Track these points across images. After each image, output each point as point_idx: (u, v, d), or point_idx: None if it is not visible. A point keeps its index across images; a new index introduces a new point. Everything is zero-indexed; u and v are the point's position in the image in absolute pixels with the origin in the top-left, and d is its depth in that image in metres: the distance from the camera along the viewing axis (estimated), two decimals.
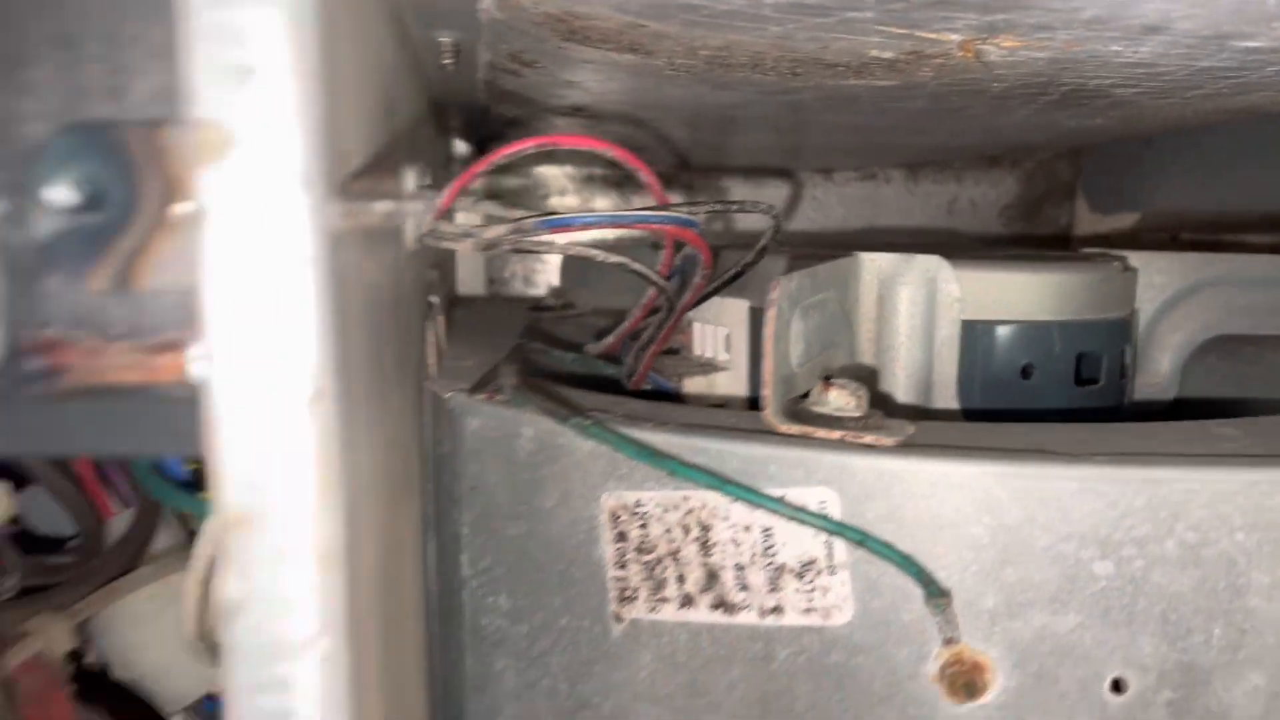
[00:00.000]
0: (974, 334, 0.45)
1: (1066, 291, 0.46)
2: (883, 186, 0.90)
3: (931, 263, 0.45)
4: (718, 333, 0.49)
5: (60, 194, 0.22)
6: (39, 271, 0.23)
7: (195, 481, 0.34)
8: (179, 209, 0.22)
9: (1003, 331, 0.45)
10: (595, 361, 0.48)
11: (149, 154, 0.22)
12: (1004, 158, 0.89)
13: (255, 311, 0.20)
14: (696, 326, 0.50)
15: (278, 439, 0.20)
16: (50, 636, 0.29)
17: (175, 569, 0.35)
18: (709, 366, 0.49)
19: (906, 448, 0.32)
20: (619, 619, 0.36)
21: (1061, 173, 0.91)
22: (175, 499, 0.32)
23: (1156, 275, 0.52)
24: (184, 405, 0.21)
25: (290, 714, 0.20)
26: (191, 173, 0.19)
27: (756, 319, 0.47)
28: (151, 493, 0.32)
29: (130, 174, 0.22)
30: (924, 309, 0.45)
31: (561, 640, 0.38)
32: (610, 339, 0.45)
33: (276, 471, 0.20)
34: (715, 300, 0.47)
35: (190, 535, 0.39)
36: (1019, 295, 0.46)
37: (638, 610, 0.35)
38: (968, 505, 0.31)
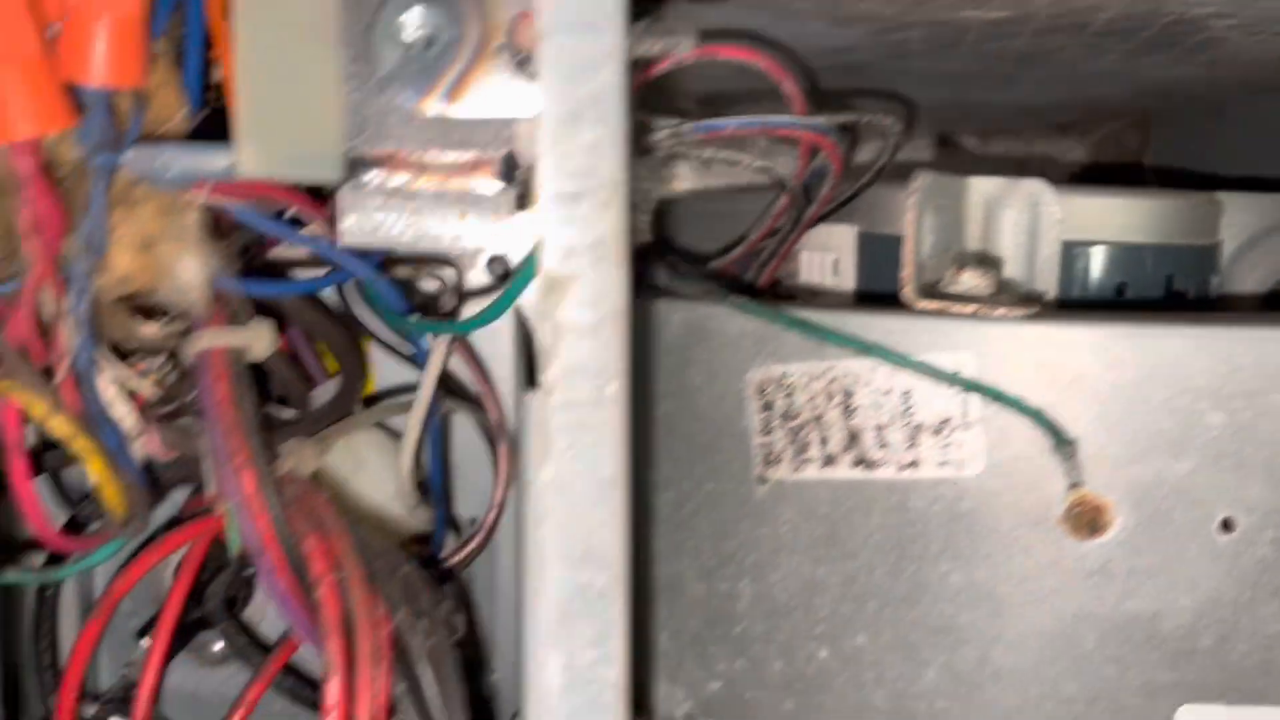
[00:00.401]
0: (1072, 254, 0.49)
1: (1158, 216, 0.50)
2: (956, 153, 0.93)
3: (1035, 186, 0.48)
4: (825, 259, 0.53)
5: (403, 33, 0.27)
6: (382, 96, 0.28)
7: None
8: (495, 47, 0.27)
9: (1099, 251, 0.49)
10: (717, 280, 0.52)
11: (473, 4, 0.27)
12: (1074, 126, 0.92)
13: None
14: (804, 255, 0.54)
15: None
16: (299, 458, 0.33)
17: (395, 411, 0.40)
18: (816, 293, 0.53)
19: (1036, 315, 0.36)
20: (763, 481, 0.40)
21: (1130, 141, 0.94)
22: (400, 323, 0.36)
23: (1238, 213, 0.56)
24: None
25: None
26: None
27: (864, 244, 0.51)
28: (384, 318, 0.36)
29: (458, 18, 0.27)
30: (1027, 231, 0.49)
31: (706, 504, 0.42)
32: (735, 253, 0.49)
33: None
34: (823, 227, 0.51)
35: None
36: (1115, 218, 0.49)
37: (781, 472, 0.39)
38: (1093, 364, 0.35)
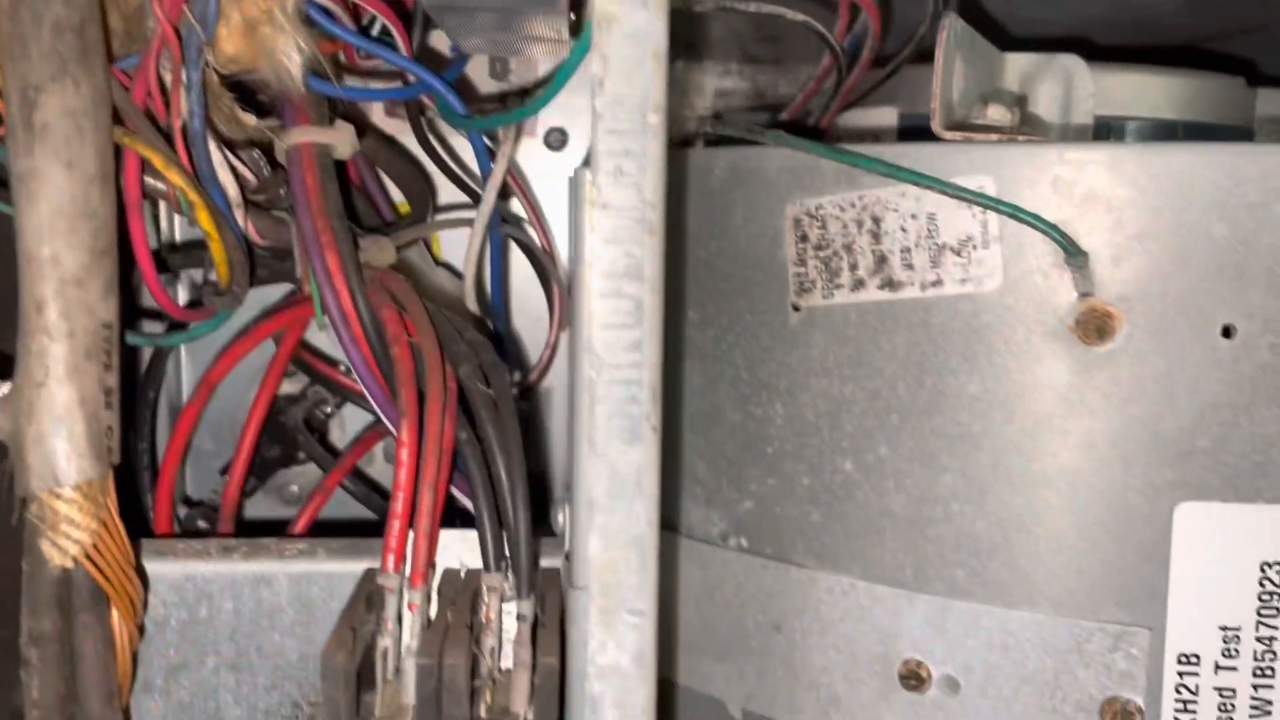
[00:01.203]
0: (1106, 129, 0.51)
1: (1191, 94, 0.52)
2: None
3: (1069, 61, 0.51)
4: (865, 140, 0.56)
5: None
6: None
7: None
8: None
9: (1132, 127, 0.51)
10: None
11: None
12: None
13: None
14: (845, 140, 0.57)
15: None
16: (377, 249, 0.37)
17: (463, 223, 0.44)
18: None
19: (1055, 141, 0.38)
20: (797, 308, 0.43)
21: None
22: (468, 123, 0.40)
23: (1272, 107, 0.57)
24: None
25: None
26: None
27: (905, 125, 0.54)
28: (453, 122, 0.40)
29: None
30: (1060, 105, 0.51)
31: (744, 336, 0.45)
32: (784, 114, 0.52)
33: None
34: (864, 110, 0.54)
35: None
36: (1149, 95, 0.51)
37: (814, 299, 0.43)
38: (1105, 181, 0.37)
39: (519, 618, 0.30)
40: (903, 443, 0.41)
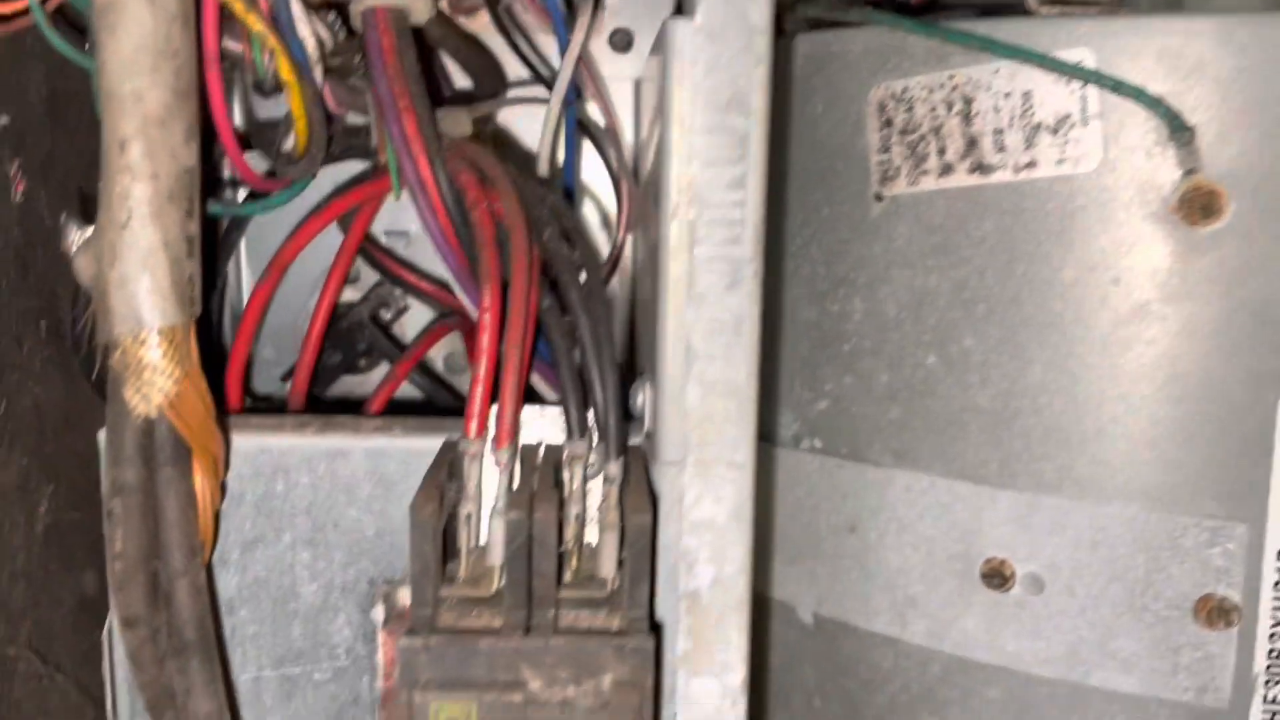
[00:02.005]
0: None
1: None
2: None
3: None
4: None
5: None
6: None
7: None
8: None
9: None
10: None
11: None
12: None
13: None
14: None
15: None
16: (450, 124, 0.36)
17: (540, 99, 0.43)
18: None
19: (1157, 11, 0.36)
20: (879, 198, 0.42)
21: None
22: None
23: None
24: None
25: None
26: None
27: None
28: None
29: None
30: None
31: (822, 229, 0.44)
32: None
33: None
34: None
35: None
36: None
37: (898, 187, 0.41)
38: (1214, 51, 0.35)
39: (606, 480, 0.29)
40: (990, 334, 0.40)
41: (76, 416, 0.40)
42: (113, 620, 0.35)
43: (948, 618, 0.41)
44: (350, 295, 0.52)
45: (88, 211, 0.27)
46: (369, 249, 0.45)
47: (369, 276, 0.50)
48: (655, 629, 0.28)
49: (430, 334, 0.43)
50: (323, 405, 0.44)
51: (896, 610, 0.43)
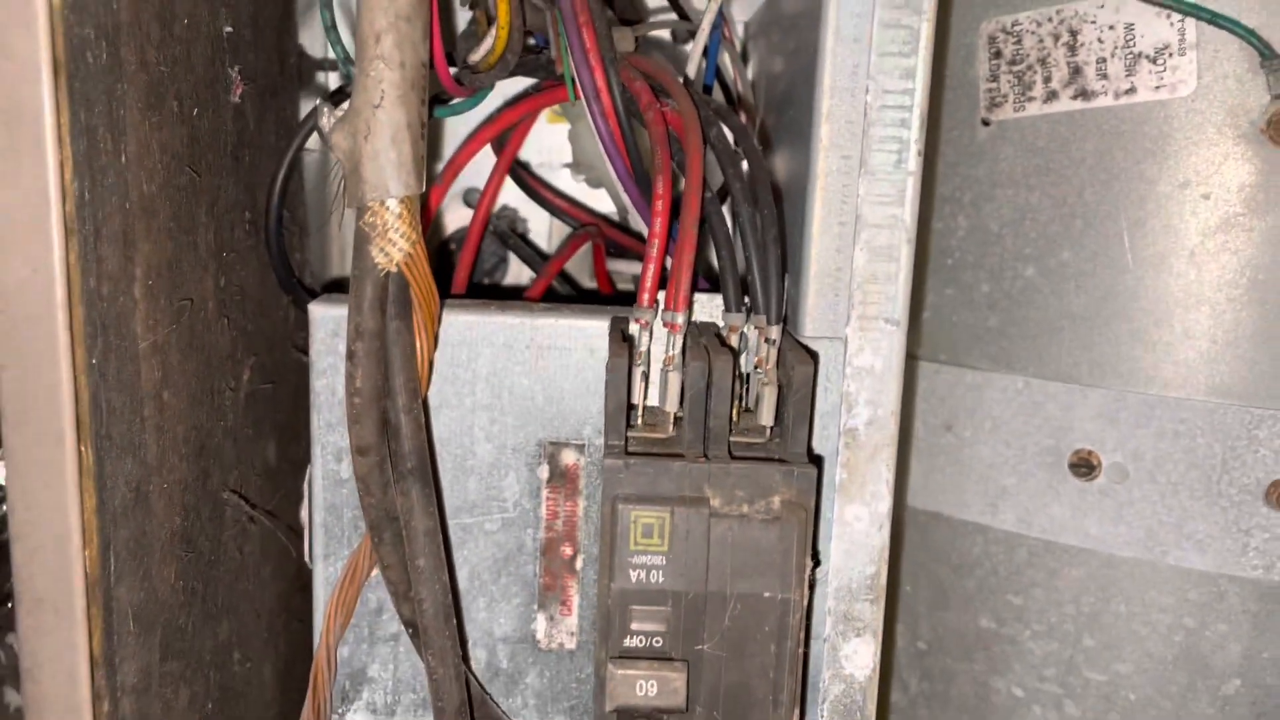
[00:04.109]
0: None
1: None
2: None
3: None
4: None
5: None
6: None
7: None
8: None
9: None
10: None
11: None
12: None
13: None
14: None
15: None
16: (618, 39, 0.41)
17: (692, 25, 0.47)
18: None
19: None
20: (986, 123, 0.46)
21: None
22: None
23: None
24: None
25: None
26: None
27: None
28: None
29: None
30: None
31: (931, 152, 0.48)
32: None
33: None
34: None
35: None
36: None
37: (1004, 113, 0.45)
38: None
39: (768, 341, 0.33)
40: (1086, 246, 0.44)
41: (269, 301, 0.45)
42: (314, 469, 0.41)
43: (1036, 506, 0.46)
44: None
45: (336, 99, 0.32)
46: (517, 169, 0.50)
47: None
48: (815, 460, 0.33)
49: (574, 241, 0.48)
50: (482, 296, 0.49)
51: (988, 500, 0.47)
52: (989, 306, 0.47)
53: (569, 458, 0.40)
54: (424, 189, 0.34)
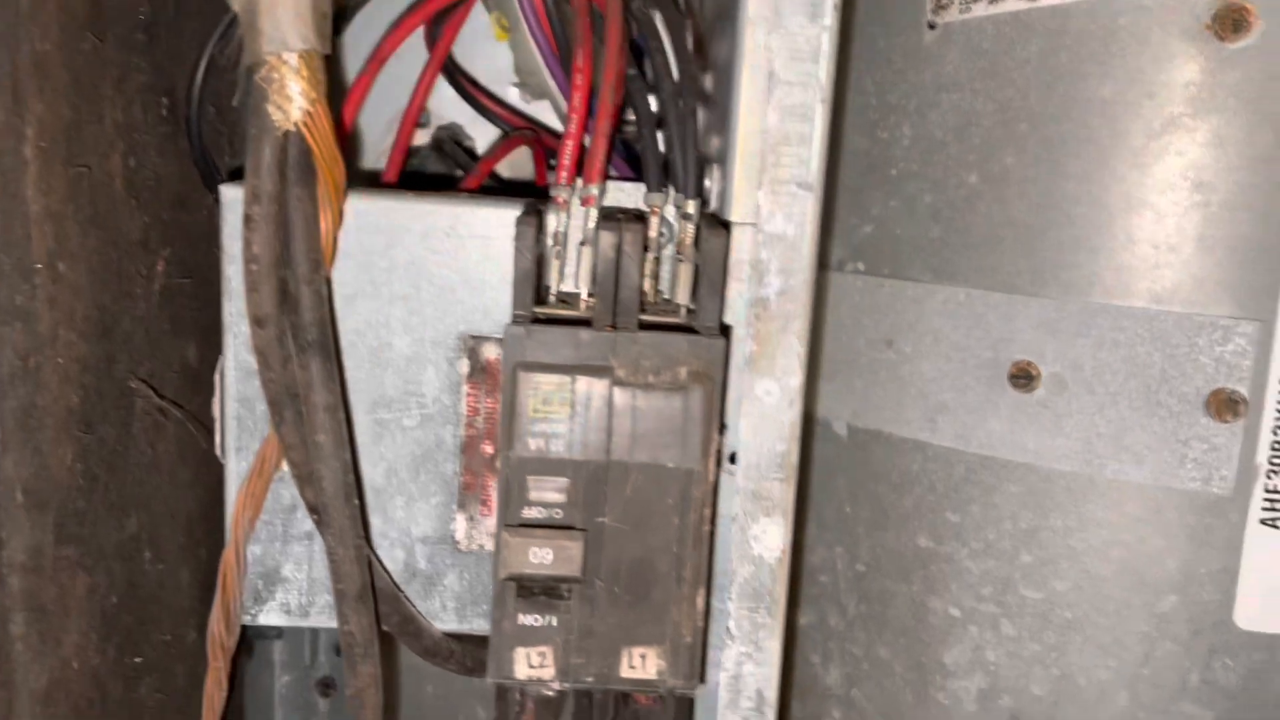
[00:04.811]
0: None
1: None
2: None
3: None
4: None
5: None
6: None
7: None
8: None
9: None
10: None
11: None
12: None
13: None
14: None
15: None
16: None
17: None
18: None
19: None
20: (932, 26, 0.45)
21: None
22: None
23: None
24: None
25: None
26: None
27: None
28: None
29: None
30: None
31: (876, 61, 0.47)
32: None
33: None
34: None
35: None
36: None
37: (950, 14, 0.44)
38: None
39: (684, 216, 0.32)
40: (1029, 150, 0.43)
41: (192, 197, 0.43)
42: (226, 360, 0.39)
43: (975, 420, 0.45)
44: (421, 139, 0.56)
45: None
46: (451, 70, 0.49)
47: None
48: (725, 331, 0.32)
49: (507, 141, 0.46)
50: None
51: (927, 416, 0.46)
52: (932, 217, 0.46)
53: (490, 352, 0.39)
54: (328, 49, 0.32)
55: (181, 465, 0.45)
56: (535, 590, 0.30)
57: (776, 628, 0.33)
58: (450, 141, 0.50)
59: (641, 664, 0.30)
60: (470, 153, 0.52)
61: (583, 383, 0.29)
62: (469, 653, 0.42)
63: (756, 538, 0.32)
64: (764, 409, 0.32)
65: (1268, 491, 0.41)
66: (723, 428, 0.32)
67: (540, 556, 0.29)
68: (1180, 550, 0.42)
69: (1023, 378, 0.44)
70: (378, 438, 0.40)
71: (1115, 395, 0.42)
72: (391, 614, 0.38)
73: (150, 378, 0.41)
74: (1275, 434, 0.40)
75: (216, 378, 0.40)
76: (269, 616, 0.41)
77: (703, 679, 0.33)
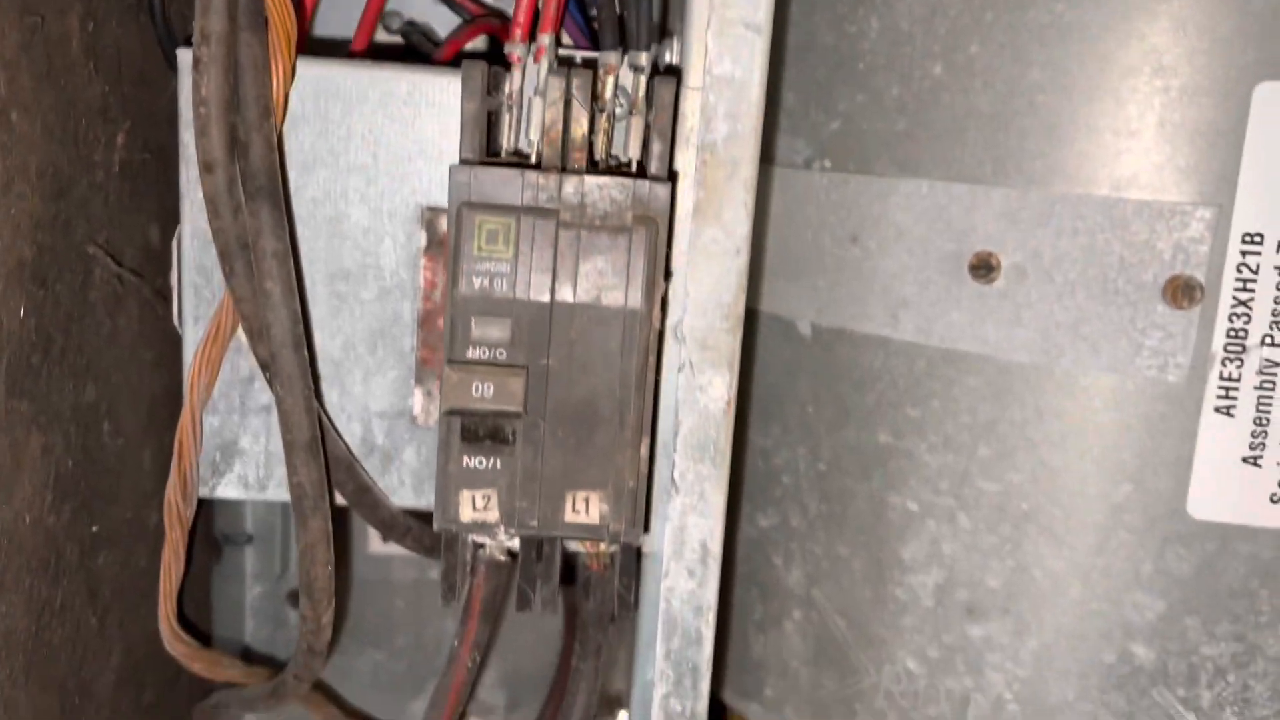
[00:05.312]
0: None
1: None
2: None
3: None
4: None
5: None
6: None
7: None
8: None
9: None
10: None
11: None
12: None
13: None
14: None
15: None
16: None
17: None
18: None
19: None
20: None
21: None
22: None
23: None
24: None
25: None
26: None
27: None
28: None
29: None
30: None
31: None
32: None
33: None
34: None
35: None
36: None
37: None
38: None
39: (635, 69, 0.32)
40: (995, 39, 0.43)
41: (152, 76, 0.43)
42: (183, 228, 0.39)
43: (936, 314, 0.45)
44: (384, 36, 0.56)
45: None
46: None
47: None
48: (673, 177, 0.32)
49: (471, 28, 0.46)
50: None
51: (890, 311, 0.46)
52: (898, 110, 0.45)
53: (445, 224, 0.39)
54: None
55: (143, 344, 0.45)
56: (480, 434, 0.30)
57: (721, 479, 0.33)
58: (418, 34, 0.50)
59: (585, 508, 0.30)
60: (438, 44, 0.52)
61: (527, 222, 0.29)
62: (425, 532, 0.42)
63: (702, 388, 0.33)
64: (710, 258, 0.32)
65: (1222, 379, 0.41)
66: (668, 274, 0.32)
67: (482, 390, 0.29)
68: (1136, 439, 0.42)
69: (983, 268, 0.44)
70: (335, 311, 0.40)
71: (1074, 284, 0.42)
72: (347, 482, 0.39)
73: (109, 248, 0.41)
74: (1231, 321, 0.41)
75: (174, 246, 0.40)
76: (227, 489, 0.41)
77: (646, 528, 0.33)
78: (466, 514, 0.31)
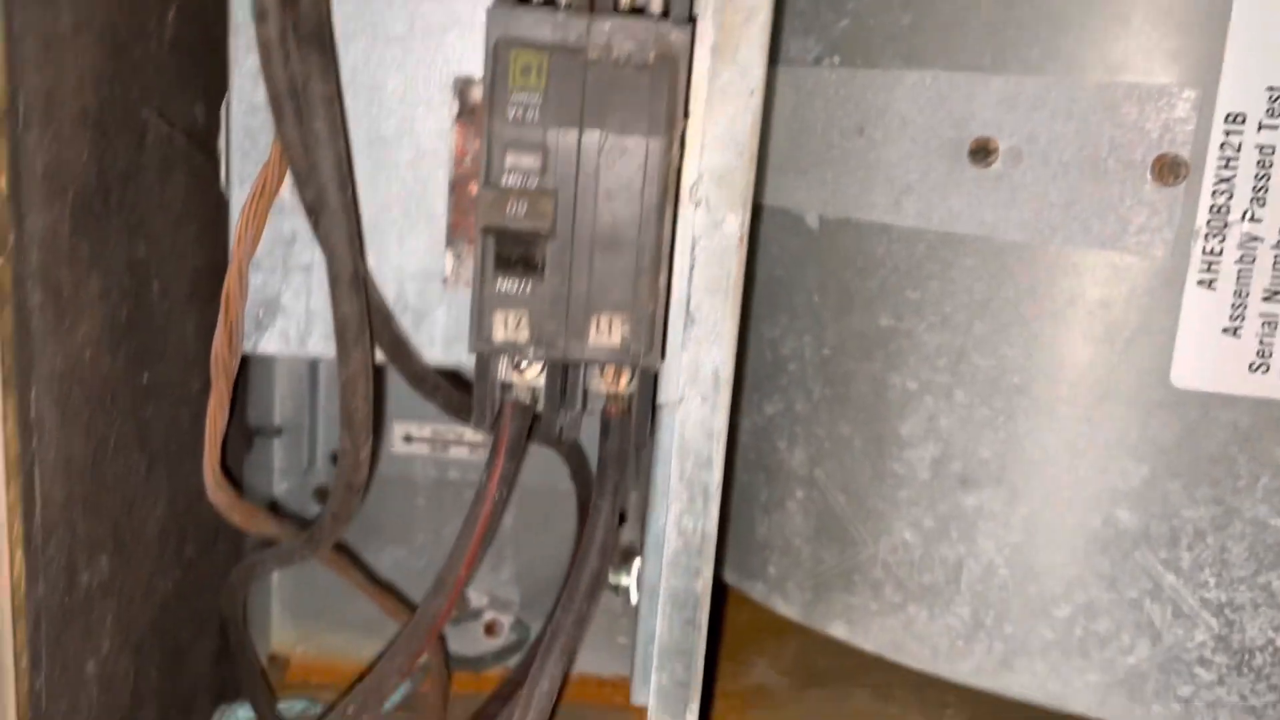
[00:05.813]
0: None
1: None
2: None
3: None
4: None
5: None
6: None
7: None
8: None
9: None
10: None
11: None
12: None
13: None
14: None
15: None
16: None
17: None
18: None
19: None
20: None
21: None
22: None
23: None
24: None
25: None
26: None
27: None
28: None
29: None
30: None
31: None
32: None
33: None
34: None
35: None
36: None
37: None
38: None
39: None
40: None
41: None
42: (232, 94, 0.42)
43: (936, 199, 0.48)
44: None
45: None
46: None
47: None
48: (693, 20, 0.34)
49: None
50: None
51: (893, 199, 0.49)
52: (903, 6, 0.48)
53: (479, 94, 0.42)
54: None
55: (188, 216, 0.47)
56: (513, 259, 0.33)
57: (733, 311, 0.36)
58: None
59: (608, 330, 0.33)
60: None
61: (559, 58, 0.32)
62: (454, 392, 0.45)
63: (718, 224, 0.35)
64: (726, 97, 0.35)
65: (1205, 253, 0.43)
66: (686, 113, 0.34)
67: (515, 209, 0.32)
68: (1122, 313, 0.45)
69: (981, 153, 0.46)
70: (373, 176, 0.43)
71: (1067, 165, 0.45)
72: (384, 333, 0.41)
73: (161, 102, 0.44)
74: (1214, 198, 0.43)
75: (222, 112, 0.43)
76: (269, 344, 0.44)
77: (662, 355, 0.36)
78: (499, 334, 0.33)
